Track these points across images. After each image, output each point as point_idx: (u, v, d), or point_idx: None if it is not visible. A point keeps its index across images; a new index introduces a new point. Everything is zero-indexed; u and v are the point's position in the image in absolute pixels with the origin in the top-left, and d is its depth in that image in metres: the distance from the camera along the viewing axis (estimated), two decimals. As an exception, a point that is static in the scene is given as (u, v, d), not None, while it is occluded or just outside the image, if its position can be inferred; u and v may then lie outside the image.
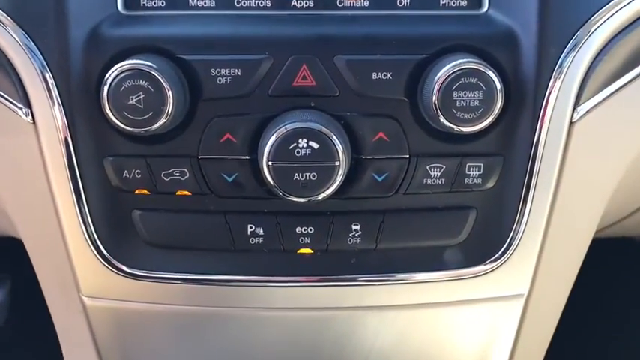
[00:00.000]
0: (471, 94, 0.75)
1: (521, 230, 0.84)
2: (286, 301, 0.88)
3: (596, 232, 0.92)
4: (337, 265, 0.85)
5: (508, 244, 0.84)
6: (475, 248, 0.85)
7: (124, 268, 0.85)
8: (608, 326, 1.57)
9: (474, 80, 0.74)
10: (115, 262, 0.84)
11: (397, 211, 0.83)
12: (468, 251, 0.85)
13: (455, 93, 0.75)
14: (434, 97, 0.75)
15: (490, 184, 0.82)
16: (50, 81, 0.78)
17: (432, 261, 0.85)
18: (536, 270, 0.88)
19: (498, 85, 0.75)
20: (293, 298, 0.88)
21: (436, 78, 0.75)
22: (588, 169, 0.84)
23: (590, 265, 0.95)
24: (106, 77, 0.74)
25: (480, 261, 0.85)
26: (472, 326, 0.93)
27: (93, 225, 0.83)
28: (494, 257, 0.85)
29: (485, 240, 0.85)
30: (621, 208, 1.03)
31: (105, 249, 0.84)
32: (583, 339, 1.52)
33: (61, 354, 1.04)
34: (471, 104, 0.75)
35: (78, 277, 0.87)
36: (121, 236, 0.84)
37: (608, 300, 1.58)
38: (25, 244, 0.90)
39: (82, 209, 0.82)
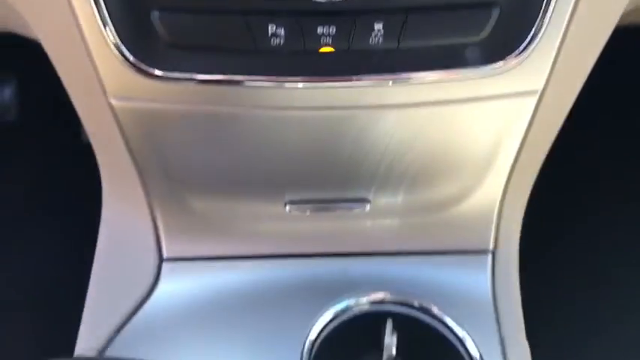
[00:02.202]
0: None
1: (546, 22, 0.82)
2: (307, 101, 0.89)
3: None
4: (358, 64, 0.85)
5: (531, 39, 0.83)
6: (496, 45, 0.84)
7: (147, 68, 0.84)
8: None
9: None
10: (136, 63, 0.84)
11: (420, 8, 0.81)
12: (489, 48, 0.84)
13: None
14: None
15: None
16: None
17: (452, 59, 0.85)
18: (554, 63, 0.88)
19: None
20: (313, 97, 0.89)
21: None
22: None
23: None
24: None
25: (501, 57, 0.85)
26: (486, 121, 0.96)
27: (113, 26, 0.81)
28: (514, 53, 0.84)
29: (508, 36, 0.84)
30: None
31: (127, 49, 0.83)
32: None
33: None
34: None
35: (102, 79, 0.87)
36: (140, 38, 0.83)
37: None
38: (44, 48, 0.89)
39: (100, 9, 0.80)
